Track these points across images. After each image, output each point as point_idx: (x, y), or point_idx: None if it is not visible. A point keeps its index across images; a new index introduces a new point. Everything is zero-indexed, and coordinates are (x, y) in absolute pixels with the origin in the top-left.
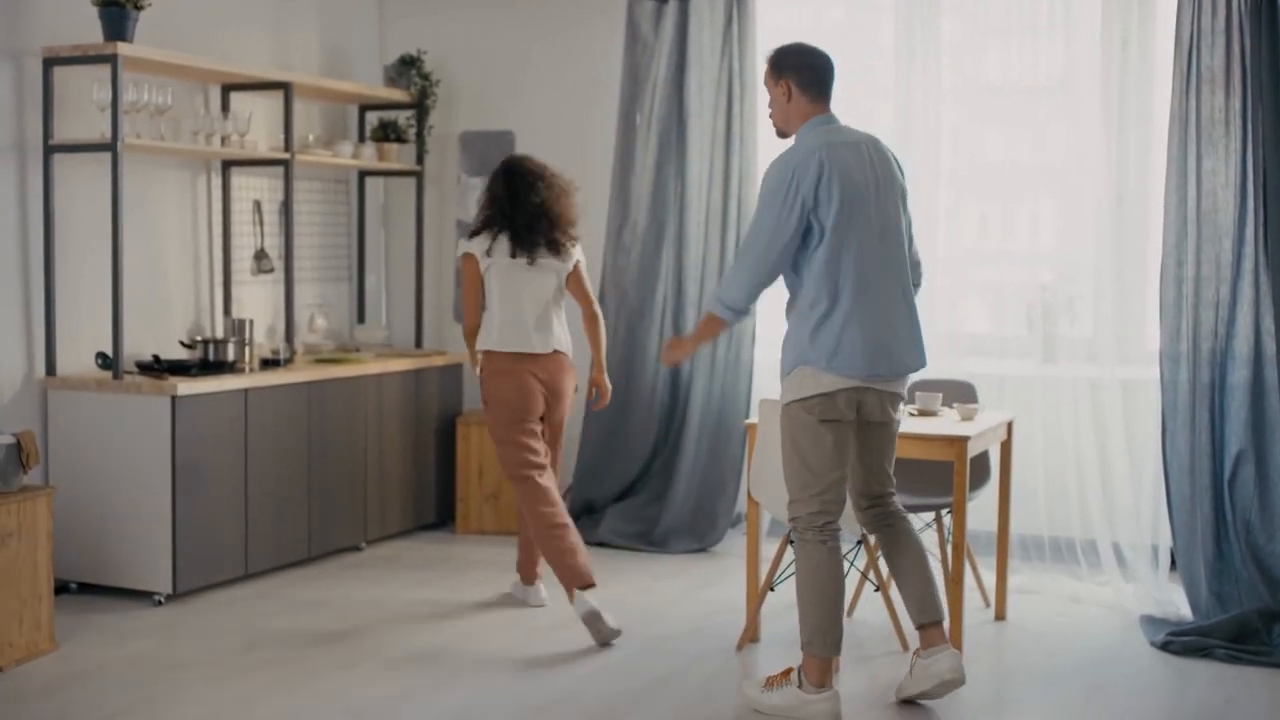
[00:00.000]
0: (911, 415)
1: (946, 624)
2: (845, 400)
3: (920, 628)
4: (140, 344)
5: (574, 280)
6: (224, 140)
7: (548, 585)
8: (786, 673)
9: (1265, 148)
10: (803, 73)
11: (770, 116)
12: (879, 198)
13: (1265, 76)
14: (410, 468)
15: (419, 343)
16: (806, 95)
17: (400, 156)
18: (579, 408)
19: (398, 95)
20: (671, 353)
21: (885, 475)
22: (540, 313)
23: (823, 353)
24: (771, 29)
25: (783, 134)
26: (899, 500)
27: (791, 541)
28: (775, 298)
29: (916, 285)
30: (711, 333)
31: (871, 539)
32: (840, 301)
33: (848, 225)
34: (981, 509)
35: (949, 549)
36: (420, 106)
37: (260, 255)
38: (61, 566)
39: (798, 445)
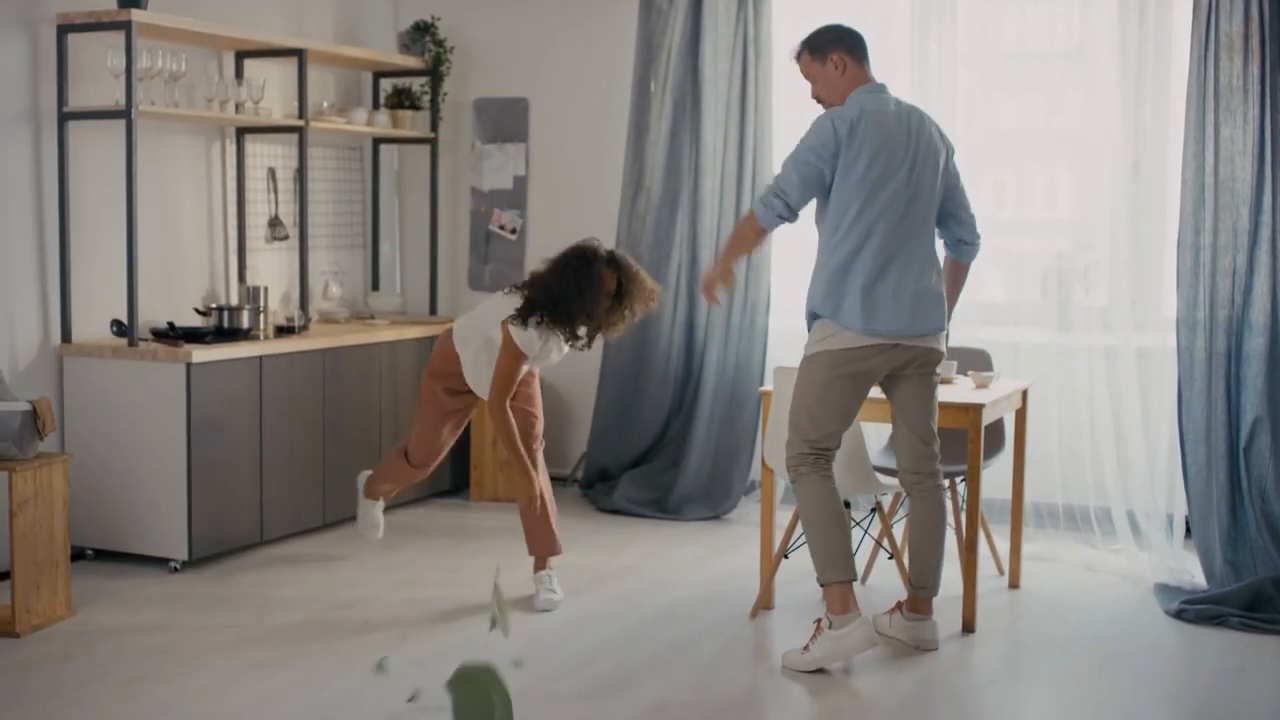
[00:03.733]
0: None
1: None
2: (869, 354)
3: (914, 591)
4: (155, 311)
5: None
6: (238, 107)
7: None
8: (816, 627)
9: None
10: (847, 41)
11: (818, 98)
12: (914, 168)
13: None
14: None
15: (433, 309)
16: (856, 60)
17: (414, 123)
18: (592, 375)
19: (412, 62)
20: (710, 283)
21: (929, 432)
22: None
23: (847, 309)
24: None
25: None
26: (941, 474)
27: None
28: (787, 267)
29: (970, 244)
30: (744, 244)
31: (885, 506)
32: (862, 258)
33: (878, 184)
34: (996, 476)
35: (963, 516)
36: (434, 73)
37: (275, 222)
38: (78, 533)
39: (805, 392)
